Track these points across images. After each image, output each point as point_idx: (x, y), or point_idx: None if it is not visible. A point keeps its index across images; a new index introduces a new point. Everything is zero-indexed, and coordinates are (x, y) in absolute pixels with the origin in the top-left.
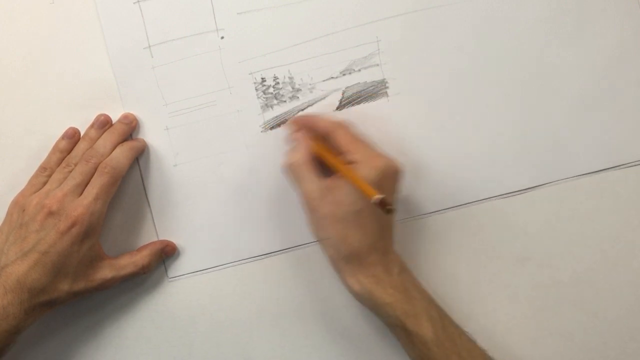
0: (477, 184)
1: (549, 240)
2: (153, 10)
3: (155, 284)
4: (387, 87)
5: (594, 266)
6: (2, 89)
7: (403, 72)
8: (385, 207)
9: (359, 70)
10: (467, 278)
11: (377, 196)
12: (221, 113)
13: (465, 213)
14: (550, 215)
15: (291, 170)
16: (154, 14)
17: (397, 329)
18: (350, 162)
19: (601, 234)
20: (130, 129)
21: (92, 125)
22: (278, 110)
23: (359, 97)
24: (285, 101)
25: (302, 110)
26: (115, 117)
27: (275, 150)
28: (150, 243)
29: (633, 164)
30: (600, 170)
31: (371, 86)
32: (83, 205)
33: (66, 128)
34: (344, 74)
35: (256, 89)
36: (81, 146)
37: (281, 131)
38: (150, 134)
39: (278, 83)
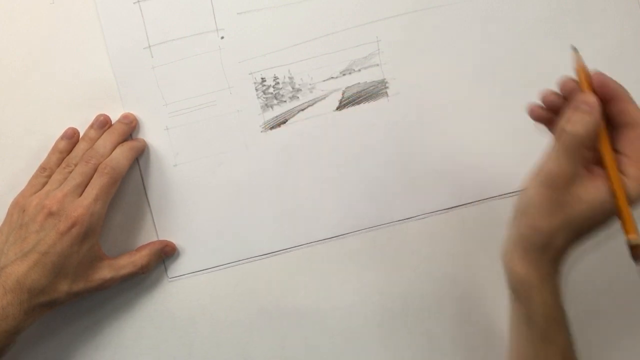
0: (477, 184)
1: None
2: (153, 10)
3: (155, 284)
4: (387, 87)
5: (594, 266)
6: (2, 89)
7: (403, 72)
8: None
9: (359, 70)
10: (467, 278)
11: (638, 241)
12: (221, 113)
13: (465, 213)
14: None
15: (569, 140)
16: (154, 14)
17: (535, 328)
18: (624, 171)
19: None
20: (130, 129)
21: (91, 126)
22: (278, 110)
23: (359, 97)
24: (285, 101)
25: (303, 110)
26: (115, 117)
27: (276, 150)
28: (150, 243)
29: None
30: None
31: (371, 86)
32: (83, 205)
33: (66, 128)
34: (344, 74)
35: (256, 89)
36: (81, 146)
37: (281, 131)
38: (150, 134)
39: (278, 83)
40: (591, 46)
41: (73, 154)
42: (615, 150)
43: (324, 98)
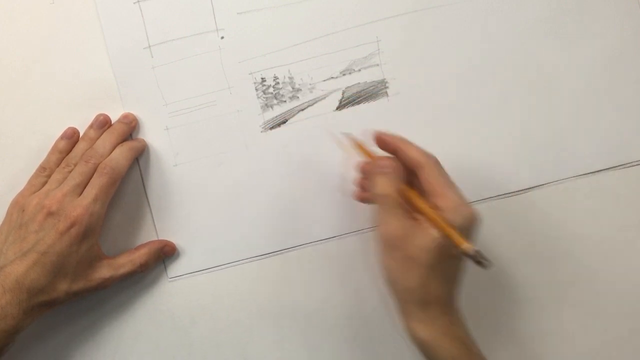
0: (477, 184)
1: (549, 240)
2: (153, 10)
3: (155, 284)
4: (387, 87)
5: (594, 266)
6: (2, 89)
7: (403, 72)
8: (480, 260)
9: (359, 70)
10: (467, 278)
11: (475, 248)
12: (221, 113)
13: None
14: (550, 215)
15: (387, 200)
16: (154, 14)
17: None
18: (436, 206)
19: (601, 234)
20: (130, 129)
21: (91, 126)
22: (278, 110)
23: (359, 97)
24: (285, 101)
25: (303, 110)
26: (115, 117)
27: (276, 150)
28: (149, 242)
29: (633, 164)
30: (600, 170)
31: (371, 86)
32: (82, 205)
33: (66, 128)
34: (344, 74)
35: (256, 89)
36: (80, 146)
37: (281, 131)
38: (150, 134)
39: (278, 83)
40: (591, 46)
41: (73, 153)
42: (428, 194)
43: (324, 98)
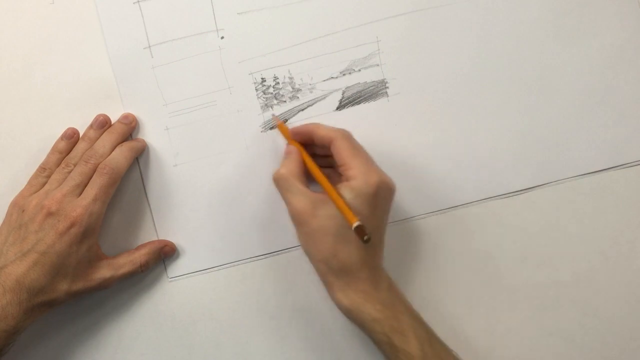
0: (477, 184)
1: (549, 240)
2: (153, 10)
3: (155, 284)
4: (387, 87)
5: (594, 266)
6: (2, 89)
7: (403, 72)
8: (362, 235)
9: (359, 70)
10: (467, 278)
11: (356, 223)
12: (221, 113)
13: (465, 213)
14: (550, 215)
15: (281, 181)
16: (154, 14)
17: (384, 345)
18: (347, 176)
19: (601, 234)
20: (130, 129)
21: (91, 126)
22: (278, 110)
23: (359, 97)
24: (285, 101)
25: (302, 110)
26: (115, 117)
27: (276, 150)
28: (149, 242)
29: (633, 164)
30: (600, 170)
31: (371, 86)
32: (82, 206)
33: (66, 128)
34: (344, 74)
35: (256, 89)
36: (80, 146)
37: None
38: (150, 134)
39: (278, 83)
40: (591, 46)
41: (72, 154)
42: (348, 177)
43: (324, 98)
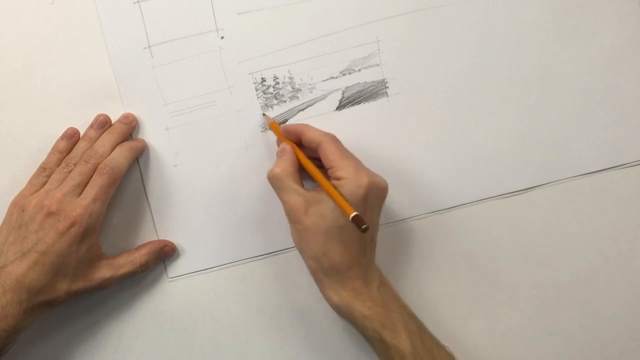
0: (477, 184)
1: (549, 240)
2: (153, 10)
3: (155, 284)
4: (387, 87)
5: (594, 266)
6: (2, 89)
7: (403, 72)
8: (360, 225)
9: (359, 70)
10: (467, 278)
11: (353, 213)
12: (221, 113)
13: (465, 213)
14: (550, 215)
15: (275, 180)
16: (154, 14)
17: (375, 342)
18: (336, 178)
19: (601, 234)
20: (130, 129)
21: (91, 126)
22: (278, 110)
23: (359, 97)
24: (285, 101)
25: (302, 110)
26: (115, 117)
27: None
28: (149, 242)
29: (633, 164)
30: (600, 170)
31: (371, 86)
32: (82, 205)
33: (66, 128)
34: (344, 74)
35: (256, 89)
36: (80, 146)
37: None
38: (150, 134)
39: (278, 83)
40: (591, 46)
41: (73, 153)
42: (338, 177)
43: (324, 98)
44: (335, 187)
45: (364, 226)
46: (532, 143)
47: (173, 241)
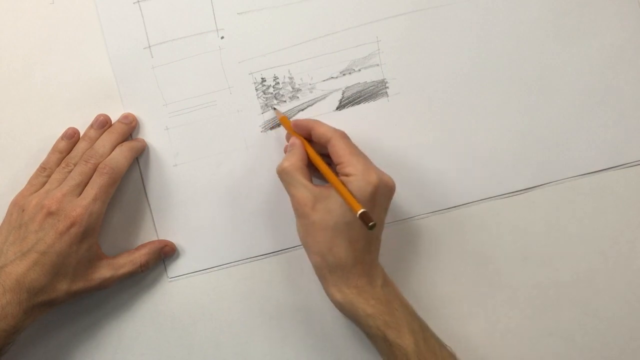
0: (477, 184)
1: (549, 240)
2: (153, 10)
3: (155, 284)
4: (387, 87)
5: (594, 266)
6: (2, 89)
7: (403, 72)
8: (368, 222)
9: (359, 70)
10: (467, 278)
11: (361, 210)
12: (221, 113)
13: (465, 213)
14: (550, 215)
15: (284, 174)
16: (154, 14)
17: (378, 340)
18: (345, 174)
19: (601, 234)
20: (130, 129)
21: (91, 126)
22: (278, 110)
23: (359, 97)
24: (285, 101)
25: (302, 110)
26: (115, 117)
27: (275, 150)
28: (149, 242)
29: (633, 164)
30: (600, 170)
31: (371, 86)
32: (82, 205)
33: (66, 128)
34: (344, 74)
35: (256, 89)
36: (80, 146)
37: (281, 131)
38: (150, 134)
39: (278, 83)
40: (591, 46)
41: (73, 153)
42: (347, 174)
43: (324, 98)
44: (343, 183)
45: (371, 223)
46: (532, 143)
47: (173, 241)
